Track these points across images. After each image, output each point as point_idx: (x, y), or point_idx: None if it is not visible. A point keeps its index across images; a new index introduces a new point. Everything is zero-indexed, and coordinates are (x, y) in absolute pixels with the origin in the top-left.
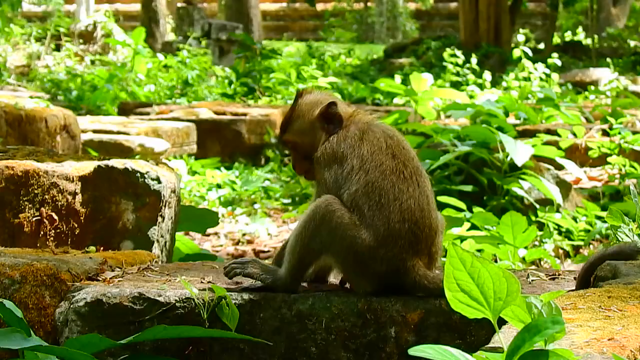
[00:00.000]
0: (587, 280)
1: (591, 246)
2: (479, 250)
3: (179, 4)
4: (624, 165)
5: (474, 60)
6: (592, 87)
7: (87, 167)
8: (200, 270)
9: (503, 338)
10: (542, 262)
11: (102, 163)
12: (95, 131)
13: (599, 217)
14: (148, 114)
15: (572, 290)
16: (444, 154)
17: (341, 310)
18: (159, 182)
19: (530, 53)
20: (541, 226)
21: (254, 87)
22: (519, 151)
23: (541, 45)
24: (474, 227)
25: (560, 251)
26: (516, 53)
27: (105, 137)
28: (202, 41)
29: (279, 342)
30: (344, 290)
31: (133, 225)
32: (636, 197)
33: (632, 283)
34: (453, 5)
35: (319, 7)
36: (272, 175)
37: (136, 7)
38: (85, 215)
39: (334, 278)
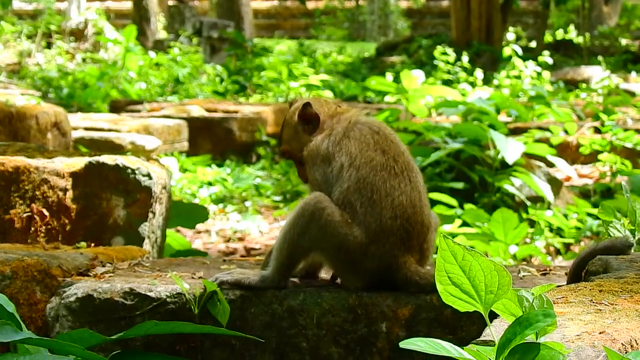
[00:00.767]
0: (578, 274)
1: (582, 243)
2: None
3: (170, 2)
4: (615, 163)
5: (465, 58)
6: (584, 85)
7: (78, 163)
8: (191, 265)
9: (494, 331)
10: (532, 259)
11: (93, 159)
12: (86, 129)
13: (590, 215)
14: (139, 111)
15: (564, 285)
16: (435, 151)
17: (332, 305)
18: (150, 178)
19: (521, 51)
20: (532, 223)
21: (245, 84)
22: (510, 148)
23: (533, 44)
24: (465, 224)
25: (551, 248)
26: (507, 51)
27: (96, 134)
28: (193, 39)
29: (270, 338)
30: (335, 285)
31: (124, 221)
32: (628, 192)
33: (623, 277)
34: (444, 3)
35: (310, 5)
36: (264, 173)
37: (127, 4)
38: (76, 211)
39: (325, 273)
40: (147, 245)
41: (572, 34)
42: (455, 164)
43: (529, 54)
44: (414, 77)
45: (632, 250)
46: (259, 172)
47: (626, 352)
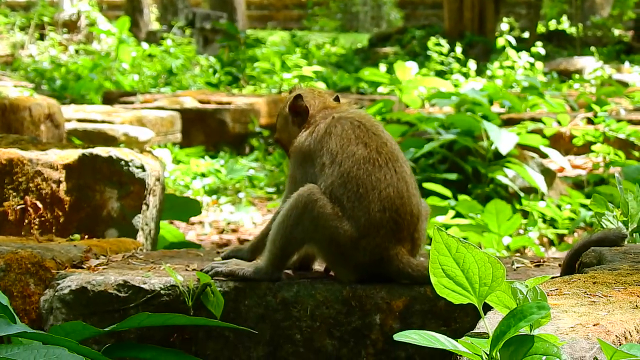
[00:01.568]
0: (572, 266)
1: (575, 234)
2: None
3: None
4: (608, 154)
5: (458, 49)
6: (577, 76)
7: (71, 155)
8: (185, 257)
9: (488, 324)
10: (526, 250)
11: (87, 151)
12: (79, 120)
13: (583, 205)
14: (132, 103)
15: (557, 277)
16: (429, 142)
17: (326, 297)
18: (144, 170)
19: (514, 42)
20: (525, 214)
21: (238, 76)
22: (504, 139)
23: (526, 34)
24: (458, 215)
25: (545, 239)
26: (500, 42)
27: (89, 126)
28: (186, 30)
29: (264, 330)
30: (329, 277)
31: (117, 213)
32: (620, 184)
33: (617, 269)
34: None
35: None
36: (257, 164)
37: None
38: (69, 203)
39: (318, 265)
40: (140, 238)
41: (565, 24)
42: (449, 155)
43: (522, 45)
44: (407, 68)
45: (626, 242)
46: (253, 163)
47: (620, 344)
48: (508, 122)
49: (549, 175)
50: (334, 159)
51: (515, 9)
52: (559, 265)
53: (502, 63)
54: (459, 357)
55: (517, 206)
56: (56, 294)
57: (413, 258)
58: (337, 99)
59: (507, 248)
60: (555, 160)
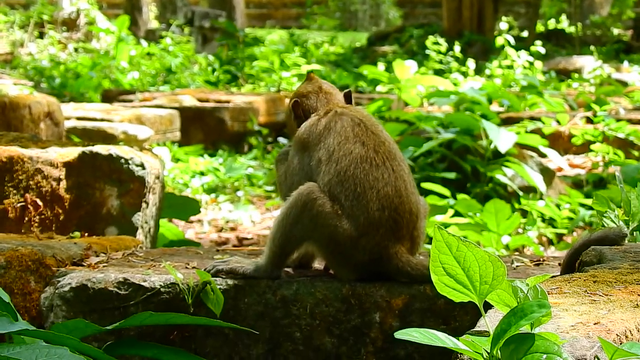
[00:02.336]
0: (572, 265)
1: (574, 233)
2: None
3: None
4: (608, 153)
5: (457, 48)
6: (576, 75)
7: (71, 153)
8: (184, 255)
9: (489, 322)
10: (525, 250)
11: (87, 149)
12: (79, 118)
13: (582, 205)
14: (131, 101)
15: (558, 275)
16: (428, 141)
17: (325, 295)
18: (143, 168)
19: (513, 41)
20: (525, 213)
21: (237, 74)
22: (503, 138)
23: (524, 33)
24: (457, 214)
25: (544, 238)
26: (499, 41)
27: (88, 124)
28: (185, 29)
29: (264, 327)
30: (328, 275)
31: (117, 211)
32: (621, 183)
33: (617, 268)
34: None
35: None
36: (256, 163)
37: None
38: (69, 201)
39: (318, 264)
40: (140, 235)
41: (564, 23)
42: (448, 154)
43: (520, 44)
44: (406, 67)
45: (626, 241)
46: (251, 161)
47: (621, 343)
48: (507, 121)
49: (548, 174)
50: (330, 156)
51: (514, 7)
52: (559, 264)
53: (501, 62)
54: (459, 356)
55: (516, 205)
56: (56, 291)
57: (412, 257)
58: (348, 96)
59: (506, 247)
60: (554, 160)
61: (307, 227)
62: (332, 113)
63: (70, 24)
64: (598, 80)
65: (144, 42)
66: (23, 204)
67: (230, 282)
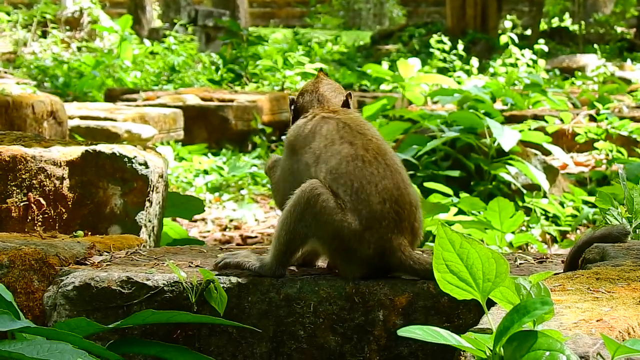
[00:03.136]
0: (575, 262)
1: (578, 231)
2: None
3: None
4: (611, 151)
5: (460, 46)
6: (579, 73)
7: (74, 152)
8: (188, 254)
9: (492, 319)
10: (529, 247)
11: (90, 148)
12: (82, 117)
13: (586, 202)
14: (135, 100)
15: (561, 273)
16: (432, 139)
17: (329, 293)
18: (147, 167)
19: (517, 39)
20: (528, 211)
21: (240, 73)
22: (506, 136)
23: (528, 32)
24: (461, 212)
25: (547, 236)
26: (503, 39)
27: (92, 123)
28: (188, 28)
29: (267, 326)
30: (332, 274)
31: (121, 210)
32: (624, 180)
33: (620, 265)
34: None
35: None
36: (259, 161)
37: None
38: (72, 200)
39: (322, 262)
40: (144, 234)
41: (568, 21)
42: (451, 152)
43: (524, 42)
44: (410, 65)
45: (629, 238)
46: (255, 160)
47: (623, 340)
48: (510, 120)
49: (551, 172)
50: (317, 158)
51: (517, 6)
52: (562, 261)
53: (505, 60)
54: (462, 353)
55: (520, 203)
56: (60, 290)
57: (414, 251)
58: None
59: (510, 245)
60: (559, 157)
61: (311, 224)
62: (319, 117)
63: (73, 23)
64: (601, 78)
65: (147, 41)
66: (26, 203)
67: (234, 280)
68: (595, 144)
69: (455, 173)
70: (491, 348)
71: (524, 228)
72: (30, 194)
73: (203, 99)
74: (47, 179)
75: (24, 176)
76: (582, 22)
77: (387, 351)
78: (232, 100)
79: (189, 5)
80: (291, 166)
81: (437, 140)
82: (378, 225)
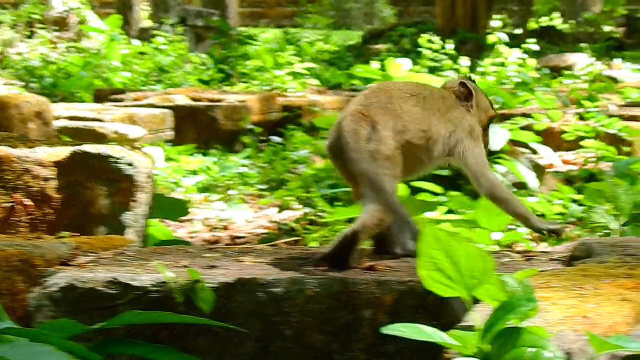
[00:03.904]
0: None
1: (566, 229)
2: (455, 234)
3: None
4: (599, 149)
5: (450, 46)
6: (568, 72)
7: (60, 152)
8: (175, 254)
9: (477, 316)
10: (517, 245)
11: (76, 148)
12: (69, 118)
13: (574, 201)
14: (123, 100)
15: (547, 270)
16: None
17: (316, 292)
18: (134, 167)
19: (506, 38)
20: None
21: (230, 73)
22: (496, 135)
23: (518, 31)
24: (449, 211)
25: (535, 234)
26: (492, 38)
27: (79, 123)
28: (177, 28)
29: (255, 325)
30: (320, 272)
31: (107, 210)
32: (611, 178)
33: (605, 262)
34: None
35: None
36: (249, 162)
37: None
38: (59, 200)
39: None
40: (130, 235)
41: (557, 20)
42: None
43: (514, 41)
44: (398, 65)
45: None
46: (244, 160)
47: (608, 337)
48: (500, 118)
49: (539, 170)
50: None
51: (507, 5)
52: (549, 259)
53: (494, 60)
54: (447, 351)
55: None
56: (44, 291)
57: None
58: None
59: (498, 243)
60: (545, 156)
61: None
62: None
63: (61, 23)
64: (590, 77)
65: (135, 41)
66: (12, 203)
67: (221, 279)
68: (583, 142)
69: (444, 172)
70: (477, 345)
71: (512, 226)
72: (16, 194)
73: (192, 99)
74: (33, 180)
75: (9, 177)
76: (572, 21)
77: (374, 349)
78: (221, 100)
79: (178, 5)
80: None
81: None
82: None
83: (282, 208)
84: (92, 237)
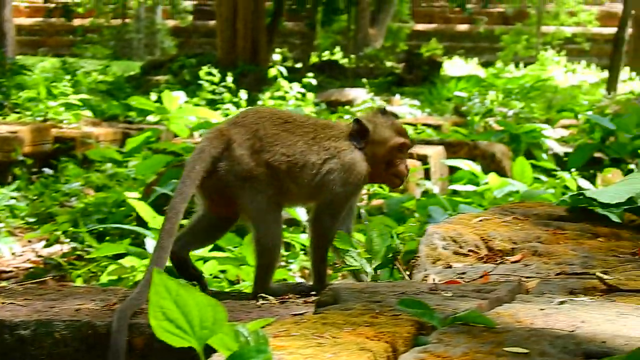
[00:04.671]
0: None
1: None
2: (222, 272)
3: None
4: (372, 186)
5: (229, 78)
6: (347, 107)
7: None
8: None
9: None
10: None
11: None
12: None
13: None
14: None
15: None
16: None
17: (64, 335)
18: None
19: (287, 72)
20: (287, 246)
21: (3, 103)
22: None
23: (299, 65)
24: (216, 247)
25: (306, 271)
26: (273, 72)
27: None
28: None
29: None
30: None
31: None
32: (366, 220)
33: (350, 309)
34: (212, 23)
35: (77, 22)
36: (19, 194)
37: None
38: None
39: None
40: None
41: (338, 55)
42: None
43: (295, 75)
44: (174, 98)
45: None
46: (14, 192)
47: None
48: None
49: None
50: None
51: (289, 38)
52: (304, 302)
53: (274, 93)
54: None
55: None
56: None
57: None
58: None
59: None
60: None
61: None
62: None
63: None
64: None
65: None
66: None
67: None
68: None
69: None
70: None
71: (283, 263)
72: None
73: None
74: None
75: None
76: (353, 56)
77: None
78: None
79: None
80: None
81: None
82: None
83: (49, 243)
84: None
